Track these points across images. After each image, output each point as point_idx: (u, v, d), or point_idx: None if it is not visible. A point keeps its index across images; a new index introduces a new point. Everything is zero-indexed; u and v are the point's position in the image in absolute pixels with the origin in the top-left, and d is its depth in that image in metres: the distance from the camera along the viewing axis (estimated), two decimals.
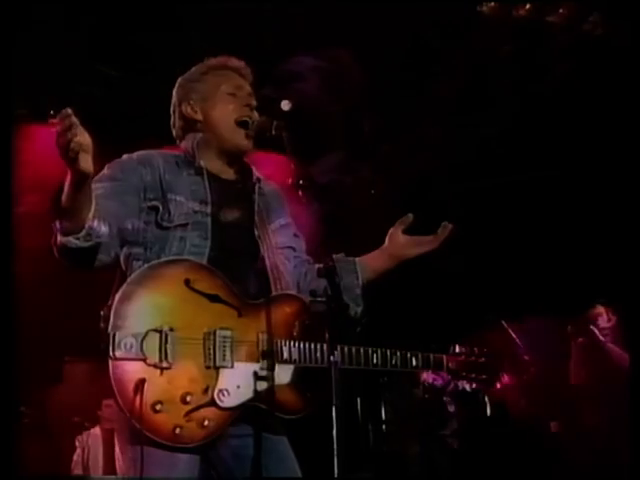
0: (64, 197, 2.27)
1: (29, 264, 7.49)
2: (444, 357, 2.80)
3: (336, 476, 2.14)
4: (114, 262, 2.53)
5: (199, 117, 2.72)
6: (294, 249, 2.81)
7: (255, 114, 2.68)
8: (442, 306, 8.40)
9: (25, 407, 7.24)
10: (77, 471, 7.42)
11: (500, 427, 7.52)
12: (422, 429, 7.56)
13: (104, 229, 2.36)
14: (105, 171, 2.59)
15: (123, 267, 2.58)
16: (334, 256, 2.78)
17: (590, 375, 6.50)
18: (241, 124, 2.67)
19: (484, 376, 2.87)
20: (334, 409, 2.18)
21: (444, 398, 7.69)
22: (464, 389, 6.98)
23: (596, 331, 6.39)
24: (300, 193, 2.45)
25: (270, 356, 2.44)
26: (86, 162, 2.18)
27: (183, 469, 2.41)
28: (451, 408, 7.69)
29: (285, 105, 2.51)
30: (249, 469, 2.47)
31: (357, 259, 2.83)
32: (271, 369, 2.42)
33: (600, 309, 6.51)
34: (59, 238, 2.33)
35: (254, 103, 2.71)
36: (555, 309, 7.58)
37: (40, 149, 6.66)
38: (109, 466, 7.44)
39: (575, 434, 6.70)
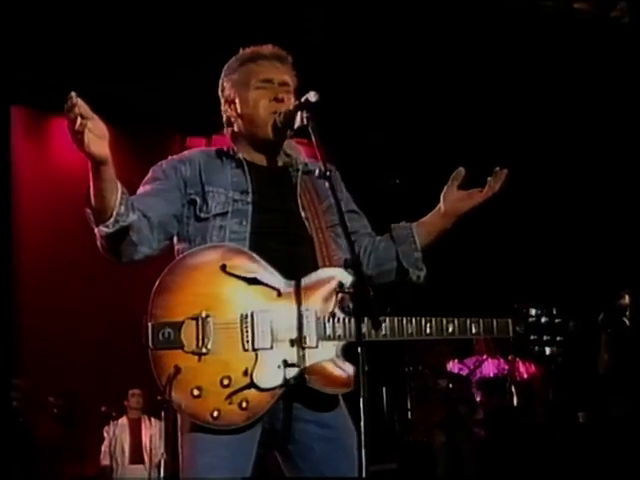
0: (90, 188, 2.32)
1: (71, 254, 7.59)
2: (509, 320, 2.66)
3: (363, 467, 2.12)
4: (157, 255, 2.58)
5: (235, 116, 2.74)
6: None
7: (285, 104, 2.65)
8: (467, 293, 8.38)
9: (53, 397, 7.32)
10: (105, 461, 7.51)
11: (527, 417, 7.50)
12: (448, 419, 7.54)
13: (132, 214, 2.39)
14: (149, 174, 2.67)
15: None
16: (392, 225, 2.79)
17: (619, 365, 6.47)
18: (271, 117, 2.66)
19: (559, 338, 2.65)
20: (361, 401, 2.15)
21: (470, 387, 7.68)
22: (491, 378, 6.88)
23: (626, 321, 6.34)
24: (327, 183, 2.44)
25: (312, 333, 2.43)
26: (97, 146, 2.20)
27: (235, 453, 2.43)
28: (477, 397, 7.67)
29: (312, 96, 2.51)
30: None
31: (414, 224, 2.80)
32: (313, 347, 2.42)
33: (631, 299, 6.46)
34: (95, 230, 2.39)
35: (282, 95, 2.68)
36: (585, 298, 7.54)
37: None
38: (136, 455, 7.51)
39: (602, 425, 6.67)
